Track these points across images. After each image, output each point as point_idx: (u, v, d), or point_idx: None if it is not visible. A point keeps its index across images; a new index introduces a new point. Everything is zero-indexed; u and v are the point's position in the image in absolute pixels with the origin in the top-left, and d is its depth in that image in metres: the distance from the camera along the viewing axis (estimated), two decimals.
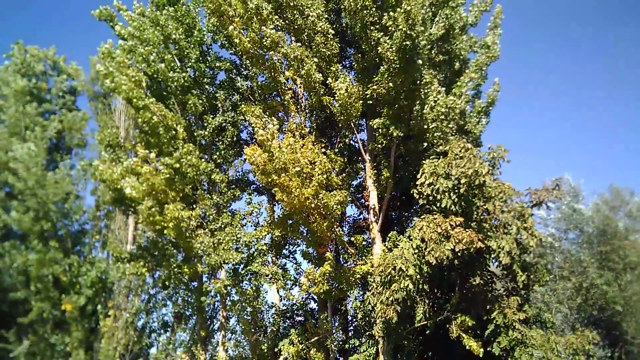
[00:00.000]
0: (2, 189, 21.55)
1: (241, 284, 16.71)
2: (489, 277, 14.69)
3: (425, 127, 14.02)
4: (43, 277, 20.05)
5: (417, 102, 14.07)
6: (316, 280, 14.46)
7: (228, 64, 18.31)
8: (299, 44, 15.20)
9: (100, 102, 23.01)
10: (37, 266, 20.09)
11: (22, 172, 20.56)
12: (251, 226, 17.40)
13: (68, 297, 20.51)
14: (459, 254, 12.69)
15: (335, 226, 15.39)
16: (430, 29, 14.38)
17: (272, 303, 17.95)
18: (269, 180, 14.58)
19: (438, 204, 13.39)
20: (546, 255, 20.79)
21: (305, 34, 15.33)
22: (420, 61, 13.63)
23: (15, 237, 21.22)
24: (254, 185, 18.57)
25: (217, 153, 17.73)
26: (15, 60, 23.33)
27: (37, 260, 20.12)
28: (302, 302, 17.49)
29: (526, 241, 13.43)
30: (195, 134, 17.41)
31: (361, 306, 15.56)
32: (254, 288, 16.50)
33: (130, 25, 16.67)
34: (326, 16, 15.31)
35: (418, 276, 12.88)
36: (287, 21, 15.83)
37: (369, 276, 14.63)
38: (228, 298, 17.19)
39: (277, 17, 15.69)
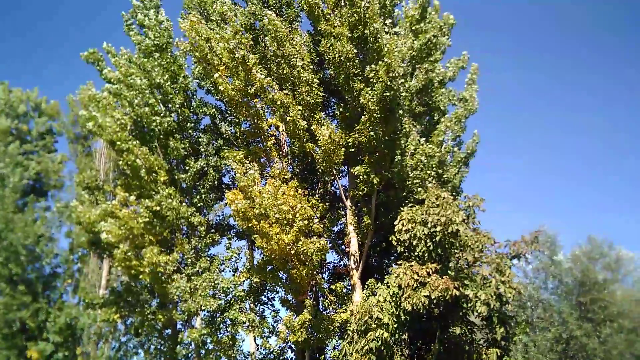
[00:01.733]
0: None
1: (217, 332, 16.23)
2: (468, 327, 14.59)
3: (405, 175, 14.26)
4: (9, 322, 19.21)
5: (398, 150, 14.38)
6: (295, 329, 14.17)
7: (213, 109, 18.54)
8: (284, 92, 15.55)
9: (80, 144, 22.91)
10: (3, 311, 19.28)
11: None
12: (230, 272, 17.14)
13: (34, 344, 19.61)
14: (435, 302, 12.66)
15: (315, 273, 15.27)
16: (410, 81, 14.91)
17: (249, 352, 17.40)
18: (249, 225, 14.52)
19: (415, 252, 13.48)
20: (526, 305, 20.80)
21: (290, 82, 15.72)
22: (400, 111, 14.05)
23: None
24: (234, 230, 18.42)
25: (198, 197, 17.65)
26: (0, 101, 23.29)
27: (3, 305, 19.34)
28: (279, 352, 17.00)
29: (505, 293, 13.47)
30: (176, 177, 17.36)
31: (339, 356, 15.21)
32: (230, 336, 16.04)
33: (117, 70, 16.87)
34: (311, 67, 15.78)
35: (395, 325, 12.79)
36: (271, 71, 16.26)
37: (348, 324, 14.41)
38: (203, 347, 16.64)
39: (261, 67, 16.11)
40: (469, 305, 13.65)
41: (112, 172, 21.25)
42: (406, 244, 13.73)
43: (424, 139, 14.99)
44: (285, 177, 15.97)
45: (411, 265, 13.17)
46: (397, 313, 12.95)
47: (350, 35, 14.55)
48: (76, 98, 16.23)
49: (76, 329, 19.78)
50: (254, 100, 15.96)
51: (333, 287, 15.83)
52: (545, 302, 21.05)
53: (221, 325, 16.32)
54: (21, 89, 24.39)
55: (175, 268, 15.90)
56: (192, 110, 18.30)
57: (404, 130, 14.25)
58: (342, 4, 15.02)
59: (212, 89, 18.32)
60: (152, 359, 17.60)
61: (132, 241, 15.30)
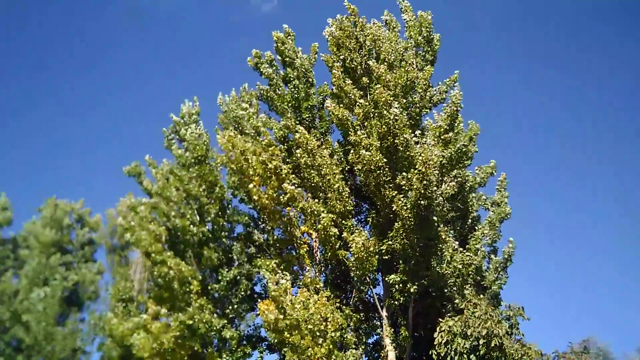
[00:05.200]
0: (9, 344, 20.98)
1: None
2: None
3: (443, 283, 13.78)
4: None
5: (433, 257, 14.03)
6: None
7: (246, 218, 18.84)
8: (316, 200, 15.75)
9: (117, 255, 23.43)
10: None
11: (34, 325, 20.23)
12: None
13: None
14: None
15: None
16: (441, 187, 14.91)
17: None
18: (281, 338, 14.04)
19: None
20: None
21: (322, 190, 15.97)
22: (435, 218, 13.90)
23: None
24: (266, 342, 17.80)
25: (230, 307, 17.37)
26: (46, 214, 24.46)
27: None
28: None
29: None
30: (209, 287, 17.26)
31: None
32: None
33: (156, 184, 17.61)
34: (341, 175, 16.07)
35: None
36: (303, 180, 16.63)
37: None
38: None
39: (293, 175, 16.53)
40: None
41: (146, 282, 21.40)
42: (447, 359, 12.98)
43: (457, 243, 14.65)
44: (318, 286, 15.65)
45: None
46: None
47: (379, 144, 14.91)
48: (115, 210, 16.92)
49: None
50: (287, 209, 16.19)
51: None
52: None
53: None
54: (66, 201, 25.67)
55: None
56: (226, 219, 18.64)
57: (440, 237, 14.02)
58: (371, 116, 15.60)
59: (246, 198, 18.76)
60: None
61: (163, 355, 14.94)
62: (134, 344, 14.70)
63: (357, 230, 15.19)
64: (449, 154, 14.96)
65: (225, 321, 16.60)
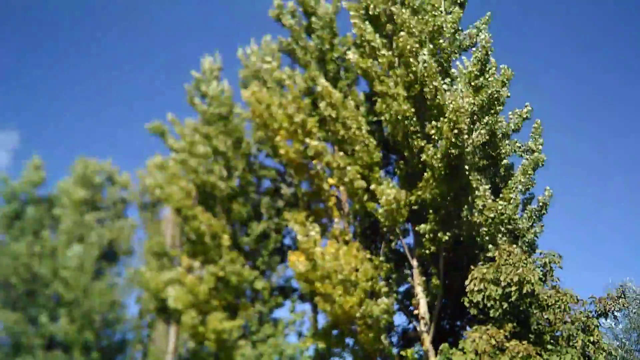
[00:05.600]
0: (52, 298, 21.96)
1: None
2: None
3: (474, 232, 13.67)
4: None
5: (465, 207, 13.87)
6: None
7: (273, 172, 18.89)
8: (342, 153, 15.60)
9: (149, 212, 23.93)
10: None
11: (72, 280, 21.04)
12: (294, 336, 16.80)
13: None
14: None
15: (382, 337, 14.64)
16: (472, 136, 14.56)
17: None
18: (312, 288, 14.29)
19: (490, 313, 12.72)
20: None
21: (347, 143, 15.79)
22: (466, 167, 13.65)
23: (59, 347, 21.18)
24: (297, 292, 18.21)
25: (261, 260, 17.72)
26: (77, 173, 24.99)
27: None
28: None
29: (594, 356, 12.40)
30: (239, 241, 17.58)
31: None
32: None
33: (183, 139, 17.68)
34: (367, 128, 15.80)
35: None
36: (330, 132, 16.44)
37: None
38: None
39: (319, 128, 16.35)
40: None
41: (178, 238, 21.88)
42: (480, 306, 13.04)
43: (489, 192, 14.41)
44: (347, 237, 15.74)
45: (487, 329, 12.43)
46: None
47: (406, 94, 14.53)
48: (146, 170, 17.13)
49: None
50: (314, 162, 16.12)
51: (403, 353, 15.02)
52: None
53: None
54: (96, 160, 26.11)
55: (240, 334, 15.77)
56: (253, 174, 18.74)
57: (471, 186, 13.79)
58: (397, 65, 15.13)
59: (272, 152, 18.74)
60: None
61: (197, 307, 15.43)
62: (169, 296, 15.15)
63: (385, 182, 15.08)
64: (480, 101, 14.49)
65: (257, 273, 16.99)
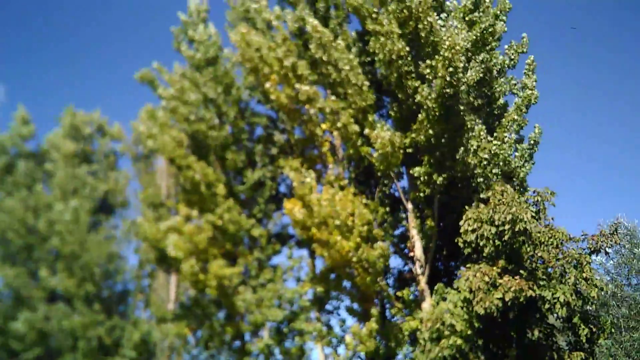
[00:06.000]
0: (50, 252, 22.08)
1: (284, 343, 16.18)
2: (548, 330, 13.77)
3: (469, 173, 13.62)
4: (88, 340, 20.10)
5: (460, 148, 13.75)
6: (362, 338, 13.85)
7: (265, 119, 18.55)
8: (334, 97, 15.28)
9: (143, 163, 23.68)
10: (82, 329, 20.18)
11: (67, 234, 21.07)
12: (293, 281, 17.07)
13: (112, 359, 20.40)
14: (510, 304, 12.02)
15: (379, 280, 14.90)
16: (467, 74, 14.22)
17: None
18: (309, 235, 14.38)
19: (484, 253, 12.89)
20: (609, 304, 19.41)
21: (340, 86, 15.43)
22: (461, 107, 13.41)
23: (61, 300, 21.53)
24: (295, 239, 18.34)
25: (257, 208, 17.71)
26: (65, 124, 24.47)
27: (81, 323, 20.24)
28: None
29: (586, 291, 12.66)
30: (234, 189, 17.48)
31: None
32: (298, 347, 15.94)
33: (172, 87, 17.22)
34: (360, 70, 15.39)
35: (468, 331, 12.28)
36: (321, 75, 16.02)
37: (418, 332, 13.94)
38: (271, 358, 16.65)
39: (311, 72, 15.91)
40: (547, 306, 12.90)
41: (173, 188, 21.78)
42: (473, 245, 13.18)
43: (485, 132, 14.25)
44: (342, 182, 15.69)
45: (480, 267, 12.63)
46: (469, 319, 12.43)
47: (400, 32, 14.04)
48: (139, 121, 16.71)
49: (149, 343, 20.39)
50: (306, 107, 15.81)
51: (399, 293, 15.36)
52: (629, 299, 19.55)
53: (288, 336, 16.26)
54: (83, 111, 25.53)
55: (240, 280, 16.00)
56: (245, 121, 18.40)
57: (466, 126, 13.60)
58: (389, 1, 14.54)
59: (263, 98, 18.33)
60: None
61: (197, 255, 15.54)
62: (169, 245, 15.22)
63: (379, 125, 14.86)
64: (474, 36, 14.02)
65: (254, 221, 17.01)
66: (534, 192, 13.74)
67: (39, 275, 21.36)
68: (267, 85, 15.56)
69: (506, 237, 12.49)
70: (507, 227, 12.34)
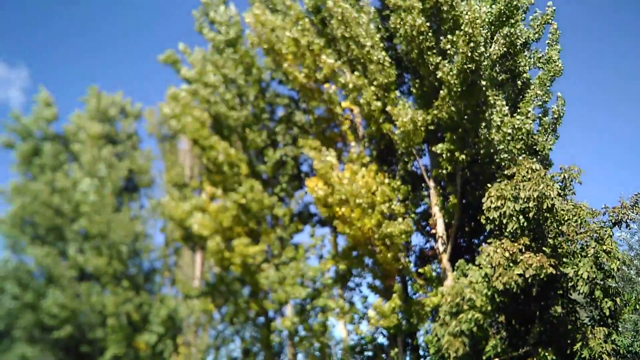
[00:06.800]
0: (78, 233, 22.69)
1: (308, 320, 16.49)
2: (571, 306, 13.69)
3: (492, 149, 13.49)
4: (117, 316, 20.78)
5: (482, 124, 13.61)
6: (385, 314, 14.02)
7: (286, 99, 18.62)
8: (356, 73, 15.21)
9: (168, 144, 24.06)
10: (111, 306, 20.85)
11: (93, 215, 21.60)
12: (315, 259, 17.31)
13: (140, 335, 21.06)
14: (530, 281, 11.97)
15: (401, 257, 14.99)
16: (490, 48, 14.00)
17: (340, 338, 17.55)
18: (331, 213, 14.50)
19: (506, 229, 12.79)
20: (634, 280, 19.16)
21: (361, 63, 15.34)
22: (483, 82, 13.23)
23: (90, 278, 22.21)
24: (317, 217, 18.51)
25: (279, 187, 17.90)
26: (90, 105, 24.90)
27: (111, 301, 20.92)
28: (371, 337, 16.95)
29: (607, 264, 12.50)
30: (256, 169, 17.69)
31: (433, 340, 14.88)
32: (321, 323, 16.23)
33: (194, 69, 17.38)
34: (381, 45, 15.26)
35: (488, 307, 12.28)
36: (340, 53, 15.94)
37: (439, 307, 14.04)
38: (295, 334, 17.00)
39: (329, 50, 15.83)
40: (569, 284, 12.82)
41: (197, 168, 22.10)
42: (496, 222, 13.09)
43: (507, 108, 14.05)
44: (363, 160, 15.72)
45: (502, 243, 12.53)
46: (490, 294, 12.42)
47: (421, 7, 13.86)
48: (165, 103, 16.98)
49: (176, 319, 20.98)
50: (325, 85, 15.79)
51: (421, 270, 15.44)
52: None
53: (311, 313, 16.55)
54: (106, 92, 25.89)
55: (263, 258, 16.28)
56: (266, 101, 18.50)
57: (488, 102, 13.42)
58: None
59: (284, 78, 18.37)
60: (248, 346, 18.27)
61: (222, 233, 15.86)
62: (194, 223, 15.54)
63: (401, 102, 14.78)
64: (498, 10, 13.76)
65: (276, 199, 17.22)
66: (560, 168, 13.53)
67: (68, 255, 22.00)
68: (285, 65, 15.56)
69: (531, 214, 12.35)
70: (532, 204, 12.19)
